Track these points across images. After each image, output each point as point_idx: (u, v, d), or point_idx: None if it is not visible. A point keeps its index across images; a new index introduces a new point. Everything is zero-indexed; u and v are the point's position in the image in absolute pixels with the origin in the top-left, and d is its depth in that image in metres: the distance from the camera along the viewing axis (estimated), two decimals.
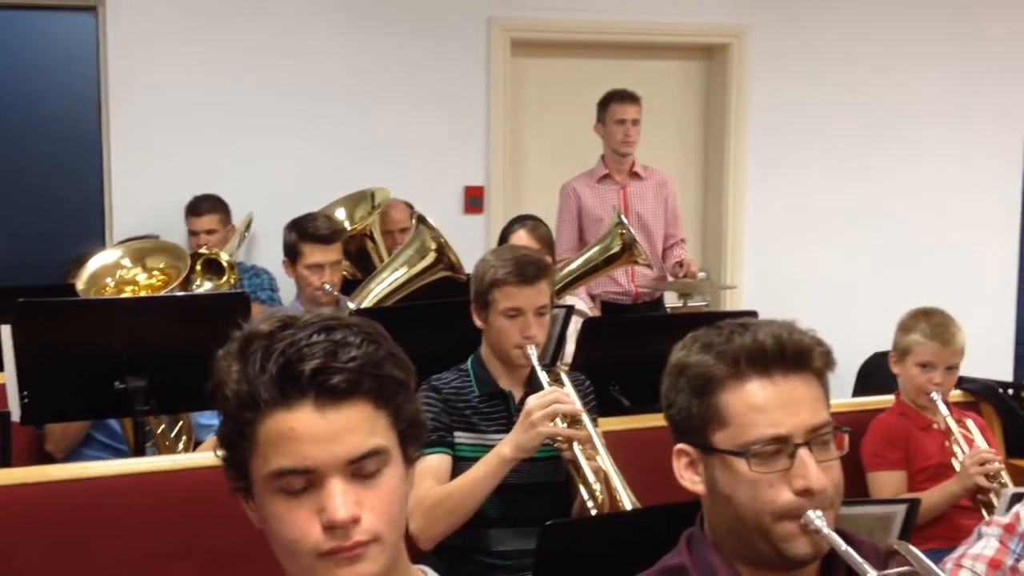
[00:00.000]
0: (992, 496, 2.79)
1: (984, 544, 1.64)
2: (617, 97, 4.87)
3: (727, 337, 1.43)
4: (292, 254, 3.82)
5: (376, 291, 3.69)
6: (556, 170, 5.21)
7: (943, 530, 2.86)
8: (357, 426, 1.13)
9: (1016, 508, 1.66)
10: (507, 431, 2.52)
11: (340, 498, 1.11)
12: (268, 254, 4.69)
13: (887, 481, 3.00)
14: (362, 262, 4.68)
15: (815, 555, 1.38)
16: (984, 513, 2.80)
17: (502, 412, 2.66)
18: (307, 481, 1.12)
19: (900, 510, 2.14)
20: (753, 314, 3.27)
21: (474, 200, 5.41)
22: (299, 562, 1.14)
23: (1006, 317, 6.04)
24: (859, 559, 1.32)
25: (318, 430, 1.11)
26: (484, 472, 2.42)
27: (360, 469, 1.13)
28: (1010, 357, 6.04)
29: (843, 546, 1.34)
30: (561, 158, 5.34)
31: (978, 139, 5.92)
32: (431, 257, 3.67)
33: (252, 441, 1.14)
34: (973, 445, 2.96)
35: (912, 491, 2.97)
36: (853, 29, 5.72)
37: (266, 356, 1.12)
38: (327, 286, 3.75)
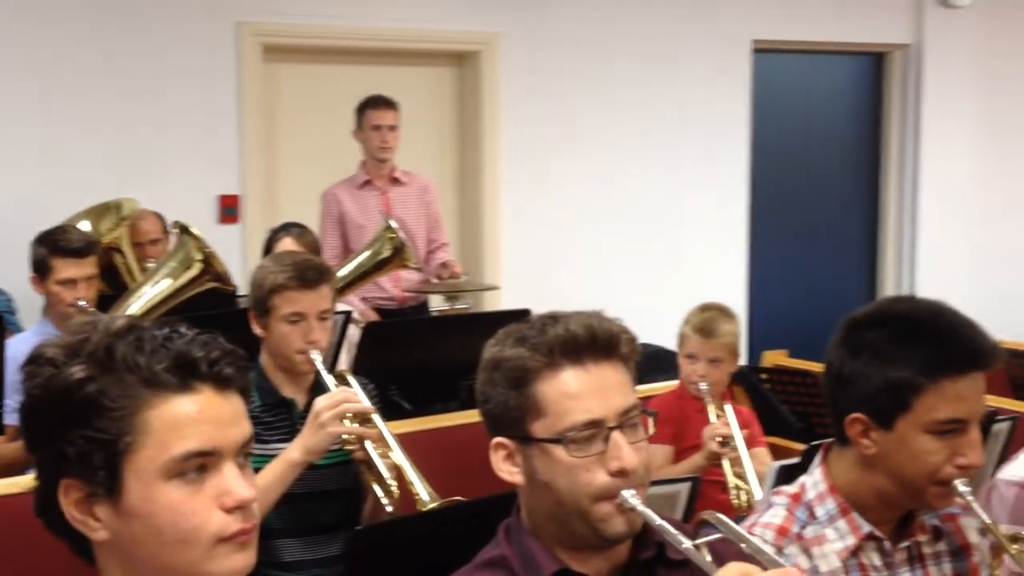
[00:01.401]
0: (725, 463, 2.97)
1: (773, 513, 1.74)
2: (373, 103, 4.86)
3: (540, 329, 1.46)
4: (41, 270, 3.57)
5: (137, 306, 3.52)
6: (315, 177, 5.14)
7: (704, 504, 3.03)
8: (241, 413, 1.18)
9: (801, 478, 1.78)
10: (290, 439, 2.47)
11: (241, 479, 1.14)
12: (4, 272, 4.37)
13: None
14: (111, 277, 4.44)
15: (630, 532, 1.43)
16: (735, 481, 2.99)
17: (285, 420, 2.61)
18: (204, 466, 1.13)
19: (684, 488, 2.27)
20: (527, 313, 3.36)
21: (229, 210, 5.26)
22: (193, 553, 1.12)
23: (738, 306, 6.46)
24: (673, 530, 1.37)
25: (224, 413, 1.15)
26: (272, 478, 2.36)
27: (245, 454, 1.17)
28: (744, 342, 6.46)
29: (657, 520, 1.40)
30: (320, 165, 5.27)
31: (712, 141, 6.32)
32: (197, 268, 3.54)
33: (140, 433, 1.11)
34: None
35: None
36: (601, 35, 5.97)
37: (152, 347, 1.13)
38: (81, 302, 3.53)
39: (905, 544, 1.72)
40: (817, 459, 1.78)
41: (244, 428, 1.17)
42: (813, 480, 1.75)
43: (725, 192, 6.44)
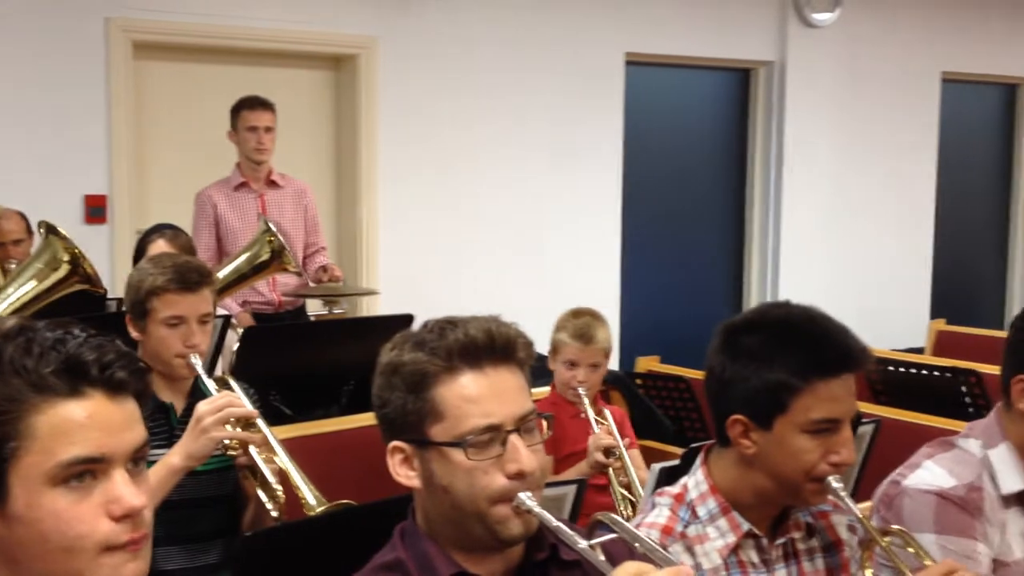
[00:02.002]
0: (610, 470, 3.03)
1: (657, 513, 1.79)
2: (249, 104, 4.78)
3: (439, 334, 1.46)
4: None
5: None
6: (187, 178, 5.03)
7: (586, 508, 3.08)
8: (135, 417, 1.15)
9: (684, 479, 1.84)
10: (169, 446, 2.43)
11: (131, 487, 1.12)
12: None
13: None
14: None
15: (527, 534, 1.45)
16: (622, 490, 3.06)
17: (163, 426, 2.55)
18: (92, 472, 1.11)
19: (570, 490, 2.31)
20: (411, 318, 3.36)
21: (96, 210, 5.11)
22: (79, 561, 1.10)
23: (611, 313, 6.57)
24: (569, 531, 1.40)
25: (115, 418, 1.12)
26: (152, 485, 2.30)
27: (137, 460, 1.15)
28: (616, 348, 6.59)
29: (554, 522, 1.42)
30: (193, 166, 5.17)
31: (586, 150, 6.43)
32: (64, 269, 3.42)
33: (26, 438, 1.09)
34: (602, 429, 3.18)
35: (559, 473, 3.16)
36: (477, 42, 6.01)
37: (41, 349, 1.09)
38: None
39: (781, 541, 1.80)
40: (699, 460, 1.84)
41: (137, 433, 1.14)
42: (695, 480, 1.81)
43: (598, 202, 6.56)
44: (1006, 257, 8.58)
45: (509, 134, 6.17)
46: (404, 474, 1.49)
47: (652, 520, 1.78)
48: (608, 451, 3.02)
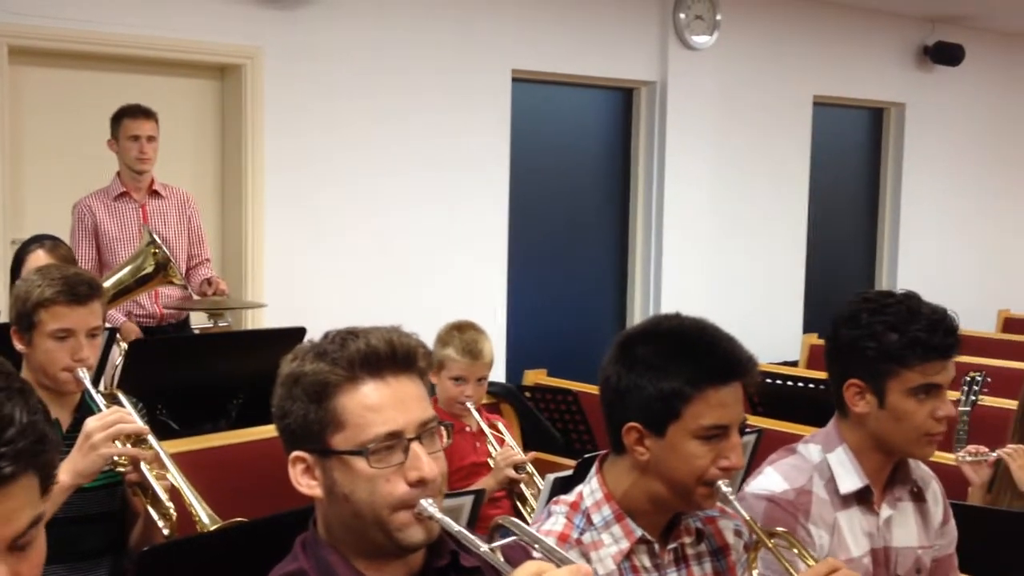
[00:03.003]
0: (523, 487, 3.10)
1: (553, 521, 1.84)
2: (130, 112, 4.69)
3: (340, 344, 1.48)
4: None
5: None
6: (65, 187, 4.90)
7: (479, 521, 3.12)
8: (22, 504, 0.96)
9: (579, 488, 1.89)
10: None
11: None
12: None
13: None
14: None
15: (428, 540, 1.48)
16: (518, 503, 3.11)
17: None
18: None
19: (467, 501, 2.34)
20: (303, 331, 3.35)
21: None
22: None
23: (498, 328, 6.64)
24: (471, 536, 1.43)
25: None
26: None
27: (18, 544, 0.97)
28: (503, 361, 6.66)
29: (455, 527, 1.45)
30: (71, 175, 5.04)
31: (473, 165, 6.49)
32: None
33: None
34: (504, 445, 3.24)
35: (450, 488, 3.19)
36: (363, 54, 6.01)
37: None
38: None
39: (672, 546, 1.86)
40: (593, 469, 1.90)
41: (14, 526, 0.95)
42: (590, 489, 1.87)
43: (485, 216, 6.61)
44: (872, 274, 8.96)
45: (396, 147, 6.17)
46: (306, 484, 1.49)
47: (548, 528, 1.83)
48: (518, 466, 3.06)
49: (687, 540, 1.88)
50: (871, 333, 2.07)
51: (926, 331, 2.04)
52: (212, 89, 5.73)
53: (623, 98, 7.36)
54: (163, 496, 2.33)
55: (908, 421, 2.07)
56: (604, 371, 1.86)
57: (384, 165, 6.14)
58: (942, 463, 2.78)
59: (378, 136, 6.10)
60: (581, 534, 1.82)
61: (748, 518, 1.82)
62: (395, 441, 1.45)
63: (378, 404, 1.46)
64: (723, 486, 1.78)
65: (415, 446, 1.46)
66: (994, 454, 3.20)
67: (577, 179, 7.23)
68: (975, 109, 9.14)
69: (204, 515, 2.29)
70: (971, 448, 3.28)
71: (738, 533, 1.94)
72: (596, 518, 1.83)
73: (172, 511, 2.32)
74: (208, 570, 1.77)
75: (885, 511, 2.16)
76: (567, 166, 7.18)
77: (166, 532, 2.31)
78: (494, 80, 6.55)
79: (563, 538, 1.81)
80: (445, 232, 6.42)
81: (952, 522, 2.29)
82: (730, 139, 7.60)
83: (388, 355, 1.48)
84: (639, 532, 1.82)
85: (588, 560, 1.79)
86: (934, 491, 2.26)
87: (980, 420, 3.80)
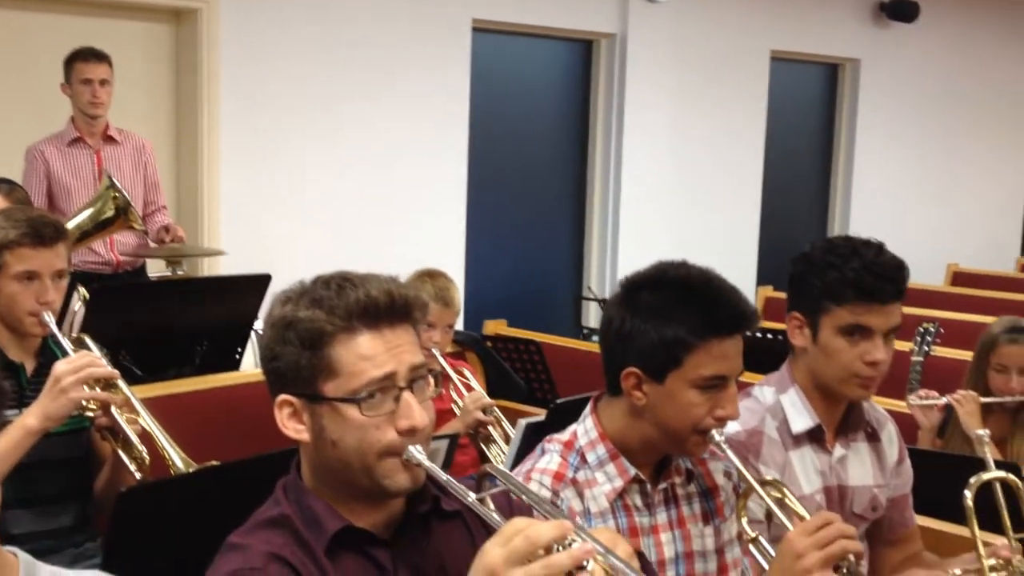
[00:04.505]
0: (490, 428, 3.11)
1: (548, 459, 1.85)
2: (83, 56, 4.58)
3: (337, 292, 1.45)
4: None
5: None
6: (18, 132, 4.78)
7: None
8: None
9: (572, 427, 1.90)
10: (19, 407, 2.34)
11: None
12: None
13: None
14: None
15: (414, 486, 1.46)
16: (483, 446, 3.12)
17: (13, 386, 2.45)
18: None
19: (443, 445, 2.35)
20: (268, 278, 3.31)
21: None
22: None
23: (458, 278, 6.60)
24: (459, 485, 1.40)
25: None
26: (4, 447, 2.22)
27: None
28: (462, 311, 6.64)
29: (444, 476, 1.43)
30: (24, 119, 4.91)
31: (432, 114, 6.43)
32: None
33: None
34: (471, 390, 3.25)
35: None
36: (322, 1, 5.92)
37: None
38: None
39: (663, 486, 1.88)
40: (588, 409, 1.90)
41: None
42: (584, 428, 1.88)
43: (444, 168, 6.55)
44: (825, 227, 9.05)
45: (355, 94, 6.09)
46: (292, 427, 1.47)
47: (544, 466, 1.83)
48: (485, 409, 3.08)
49: (677, 480, 1.90)
50: (816, 269, 2.12)
51: (860, 272, 2.08)
52: (168, 33, 5.61)
53: (583, 50, 7.32)
54: (135, 440, 2.30)
55: (836, 359, 2.11)
56: (607, 312, 1.86)
57: (342, 113, 6.06)
58: (895, 410, 2.83)
59: (337, 82, 6.01)
60: (575, 472, 1.83)
61: (740, 466, 1.84)
62: (387, 384, 1.44)
63: (372, 354, 1.44)
64: (716, 435, 1.80)
65: (406, 395, 1.44)
66: (943, 399, 3.31)
67: (537, 131, 7.20)
68: (929, 66, 9.21)
69: (177, 459, 2.27)
70: (921, 392, 3.38)
71: (727, 475, 1.96)
72: (591, 457, 1.84)
73: (144, 455, 2.29)
74: (187, 510, 1.76)
75: (839, 450, 2.21)
76: (527, 118, 7.13)
77: (138, 476, 2.28)
78: (454, 30, 6.47)
79: (558, 476, 1.82)
80: (404, 182, 6.37)
81: (907, 462, 2.35)
82: (689, 93, 7.60)
83: (387, 306, 1.45)
84: (633, 471, 1.83)
85: (582, 498, 1.80)
86: (889, 432, 2.32)
87: (932, 370, 3.88)
